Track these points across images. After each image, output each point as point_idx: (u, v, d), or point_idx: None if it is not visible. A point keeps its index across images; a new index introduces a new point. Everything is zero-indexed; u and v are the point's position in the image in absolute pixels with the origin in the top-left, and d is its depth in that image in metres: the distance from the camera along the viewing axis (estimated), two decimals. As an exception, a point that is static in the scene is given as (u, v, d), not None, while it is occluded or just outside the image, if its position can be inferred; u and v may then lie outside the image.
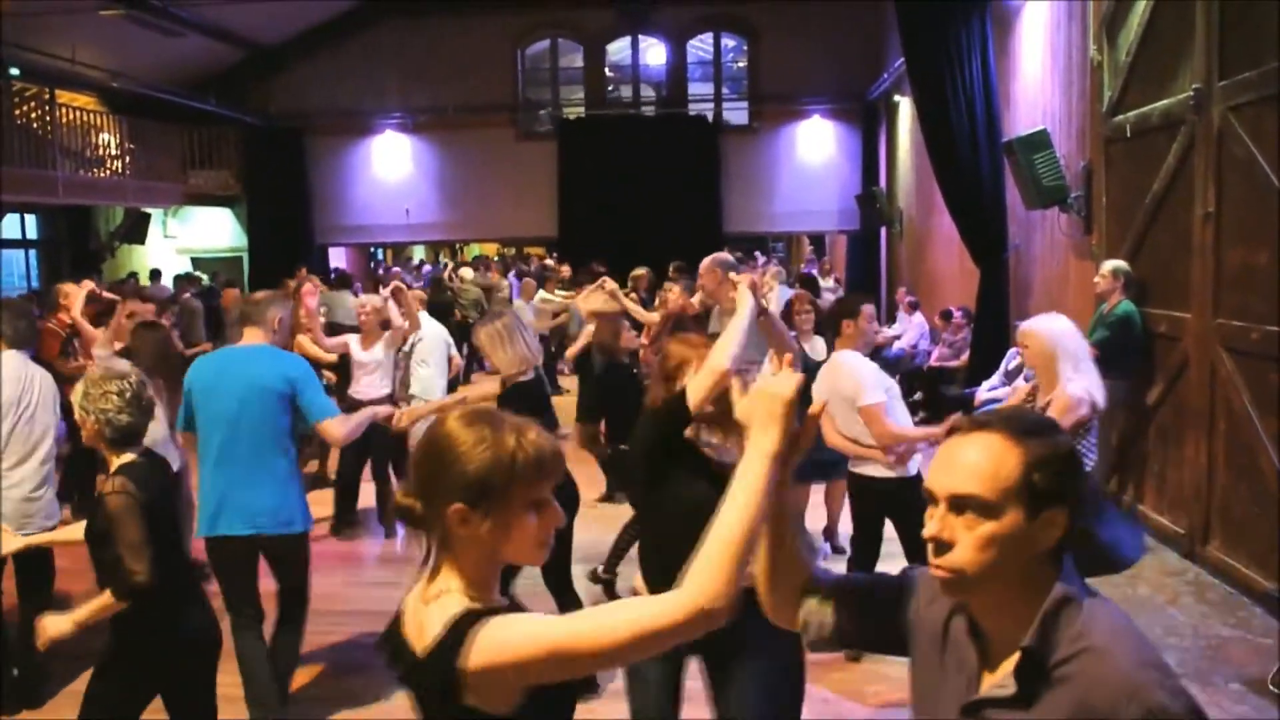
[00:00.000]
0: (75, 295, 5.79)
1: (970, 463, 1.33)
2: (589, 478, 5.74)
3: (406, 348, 6.73)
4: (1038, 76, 8.55)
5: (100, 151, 14.69)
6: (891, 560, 4.29)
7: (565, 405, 7.91)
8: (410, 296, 6.72)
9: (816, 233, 19.46)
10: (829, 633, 1.61)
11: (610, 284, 7.55)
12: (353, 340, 6.59)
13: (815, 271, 15.85)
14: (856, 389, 4.36)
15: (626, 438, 3.14)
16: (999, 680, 1.35)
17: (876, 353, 6.18)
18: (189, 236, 17.76)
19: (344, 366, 6.93)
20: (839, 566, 4.35)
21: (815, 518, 6.05)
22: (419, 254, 25.82)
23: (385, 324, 6.49)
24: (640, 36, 17.31)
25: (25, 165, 12.35)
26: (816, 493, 5.92)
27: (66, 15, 11.58)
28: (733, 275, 4.22)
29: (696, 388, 2.64)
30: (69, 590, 4.52)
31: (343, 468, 6.72)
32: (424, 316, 6.91)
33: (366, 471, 6.73)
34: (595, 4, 16.26)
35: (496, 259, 23.68)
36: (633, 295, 8.80)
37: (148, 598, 2.80)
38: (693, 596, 1.36)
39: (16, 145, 12.25)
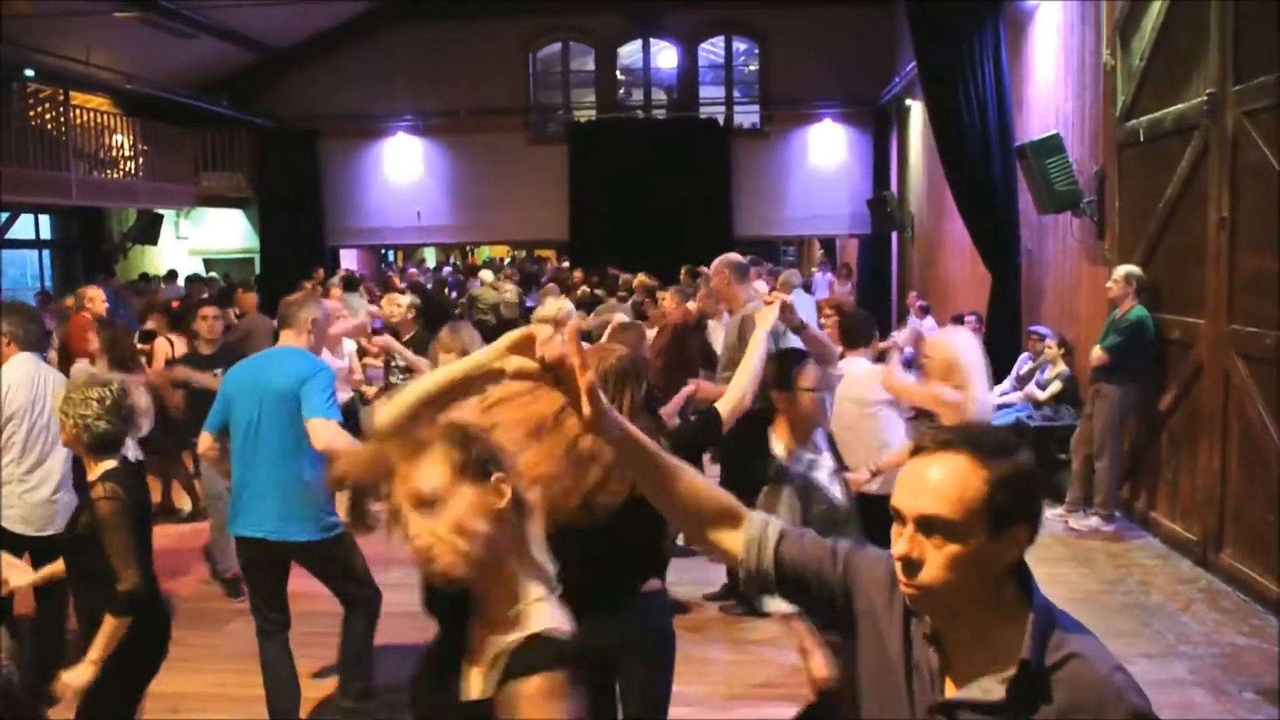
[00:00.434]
0: (98, 298, 5.96)
1: (937, 484, 1.36)
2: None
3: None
4: (1050, 80, 8.52)
5: (113, 153, 14.76)
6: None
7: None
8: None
9: (827, 236, 19.42)
10: (770, 586, 1.61)
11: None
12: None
13: (832, 277, 15.79)
14: (864, 385, 4.49)
15: None
16: (983, 685, 1.37)
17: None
18: (201, 238, 17.87)
19: None
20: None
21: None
22: (431, 256, 25.86)
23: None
24: (651, 40, 17.33)
25: (39, 166, 12.43)
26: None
27: (81, 17, 11.64)
28: (761, 289, 4.41)
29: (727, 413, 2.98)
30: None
31: None
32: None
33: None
34: (606, 7, 16.27)
35: (508, 261, 23.73)
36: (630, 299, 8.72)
37: (144, 606, 2.87)
38: None
39: (31, 147, 12.33)
